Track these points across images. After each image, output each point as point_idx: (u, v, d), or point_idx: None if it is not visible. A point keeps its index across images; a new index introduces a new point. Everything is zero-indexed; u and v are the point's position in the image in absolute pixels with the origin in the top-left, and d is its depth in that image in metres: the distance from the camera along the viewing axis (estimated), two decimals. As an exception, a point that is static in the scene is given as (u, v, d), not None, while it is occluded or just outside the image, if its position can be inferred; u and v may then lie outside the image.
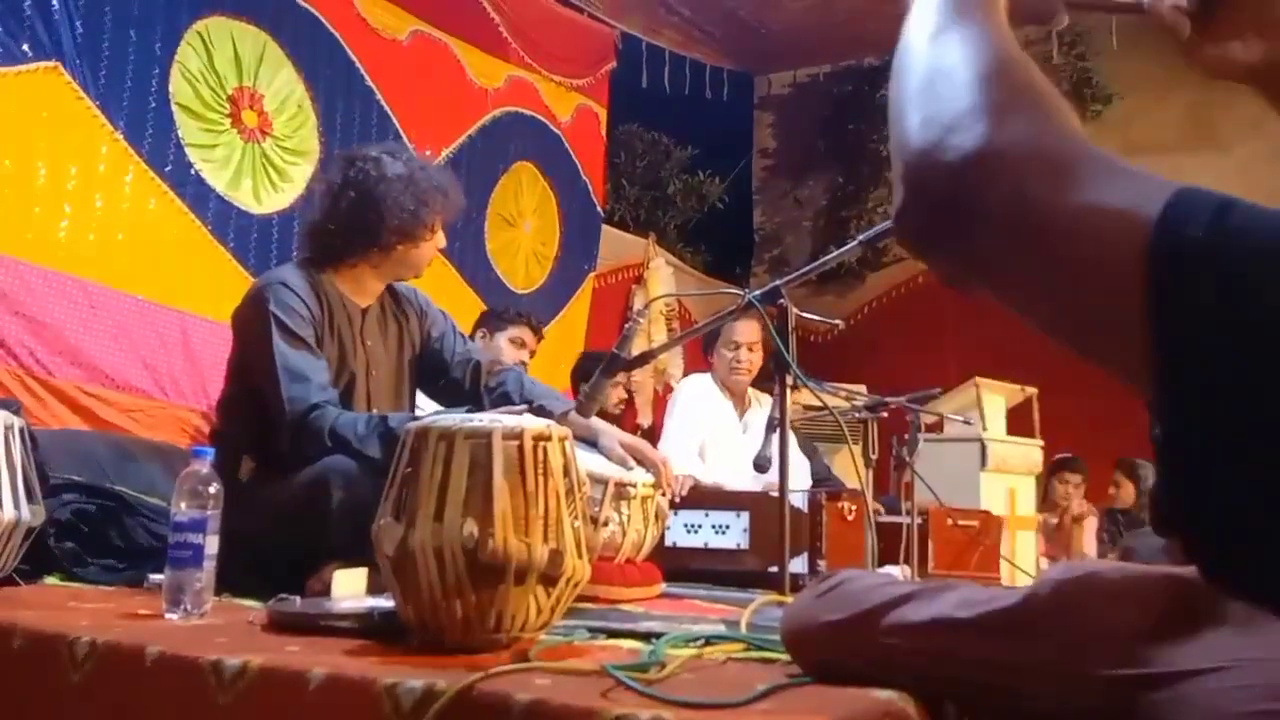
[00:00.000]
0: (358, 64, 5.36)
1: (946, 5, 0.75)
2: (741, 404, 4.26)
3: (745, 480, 3.64)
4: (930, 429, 4.36)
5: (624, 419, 6.62)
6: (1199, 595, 1.02)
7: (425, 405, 2.91)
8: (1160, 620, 1.02)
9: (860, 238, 2.34)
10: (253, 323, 2.50)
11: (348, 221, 2.60)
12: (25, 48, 3.98)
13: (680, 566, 2.90)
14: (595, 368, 4.74)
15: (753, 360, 4.17)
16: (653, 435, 5.04)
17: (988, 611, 1.14)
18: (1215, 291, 0.56)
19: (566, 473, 1.64)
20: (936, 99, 0.69)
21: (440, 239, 2.73)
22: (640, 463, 2.55)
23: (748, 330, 4.09)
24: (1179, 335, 0.57)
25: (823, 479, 4.39)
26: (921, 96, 0.70)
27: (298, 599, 1.85)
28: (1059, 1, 0.83)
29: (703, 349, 4.38)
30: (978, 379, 5.45)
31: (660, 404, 6.56)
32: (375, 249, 2.63)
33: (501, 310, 4.62)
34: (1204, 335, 0.57)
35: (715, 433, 4.16)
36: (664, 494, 2.60)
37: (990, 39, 0.72)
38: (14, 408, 2.41)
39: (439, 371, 2.80)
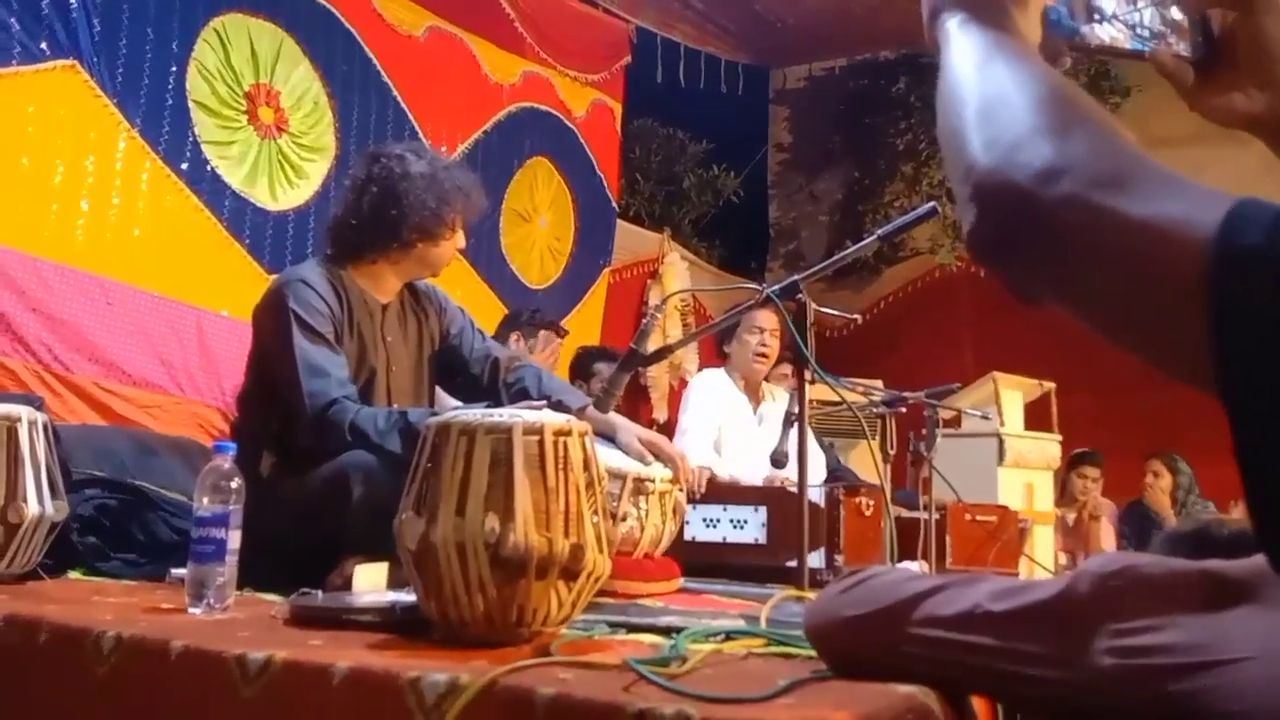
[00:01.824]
0: (374, 60, 5.37)
1: (986, 41, 0.80)
2: (756, 397, 4.26)
3: (761, 473, 3.64)
4: (948, 424, 4.35)
5: (639, 414, 6.62)
6: (1235, 587, 1.03)
7: (444, 401, 2.91)
8: (1196, 610, 1.03)
9: (878, 232, 2.34)
10: (272, 319, 2.51)
11: (369, 218, 2.61)
12: (43, 46, 4.00)
13: (698, 561, 2.90)
14: (592, 363, 4.79)
15: (774, 347, 4.17)
16: (668, 430, 5.04)
17: (1025, 604, 1.14)
18: (1274, 297, 0.58)
19: (586, 467, 1.64)
20: (997, 124, 0.73)
21: (460, 239, 2.74)
22: (658, 457, 2.55)
23: (769, 317, 4.08)
24: (1239, 341, 0.59)
25: (835, 472, 4.39)
26: (981, 122, 0.74)
27: (319, 593, 1.86)
28: (1062, 45, 0.85)
29: (719, 342, 4.37)
30: (995, 374, 5.44)
31: (675, 399, 6.55)
32: (395, 246, 2.64)
33: (531, 316, 4.61)
34: (1263, 340, 0.59)
35: (730, 426, 4.16)
36: (682, 489, 2.60)
37: (1036, 67, 0.76)
38: (37, 403, 2.42)
39: (457, 367, 2.81)
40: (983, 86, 0.76)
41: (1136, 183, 0.65)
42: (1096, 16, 0.85)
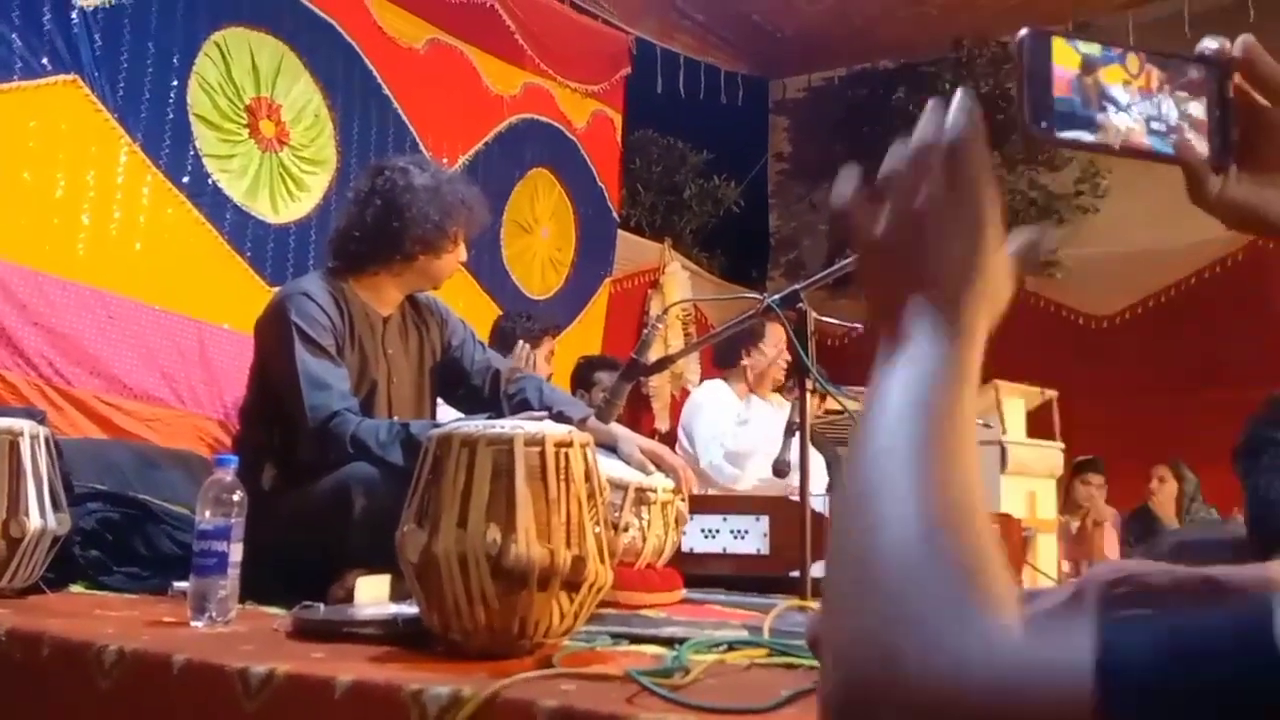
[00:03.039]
0: (375, 73, 5.38)
1: (901, 412, 0.64)
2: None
3: (763, 484, 3.64)
4: (950, 432, 4.33)
5: (641, 423, 6.62)
6: (1240, 592, 1.03)
7: (445, 413, 2.92)
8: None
9: (879, 241, 2.34)
10: (274, 332, 2.52)
11: (372, 229, 2.62)
12: (45, 62, 4.01)
13: (698, 572, 2.89)
14: (593, 372, 4.80)
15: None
16: (670, 440, 5.03)
17: (1030, 612, 1.14)
18: None
19: (588, 478, 1.64)
20: (851, 602, 0.59)
21: (462, 252, 2.75)
22: (660, 468, 2.55)
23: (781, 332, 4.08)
24: None
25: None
26: (841, 591, 0.61)
27: (321, 606, 1.86)
28: (1036, 251, 0.78)
29: (727, 351, 4.32)
30: (997, 381, 5.43)
31: (677, 409, 6.55)
32: (397, 258, 2.64)
33: (528, 323, 4.60)
34: None
35: (737, 439, 4.14)
36: (684, 499, 2.60)
37: (919, 510, 0.60)
38: (39, 417, 2.42)
39: (459, 379, 2.81)
40: (855, 541, 0.61)
41: (980, 654, 0.54)
42: (1111, 106, 0.81)
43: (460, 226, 2.70)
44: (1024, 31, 0.79)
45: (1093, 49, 0.80)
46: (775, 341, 4.13)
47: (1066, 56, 0.79)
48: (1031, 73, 0.79)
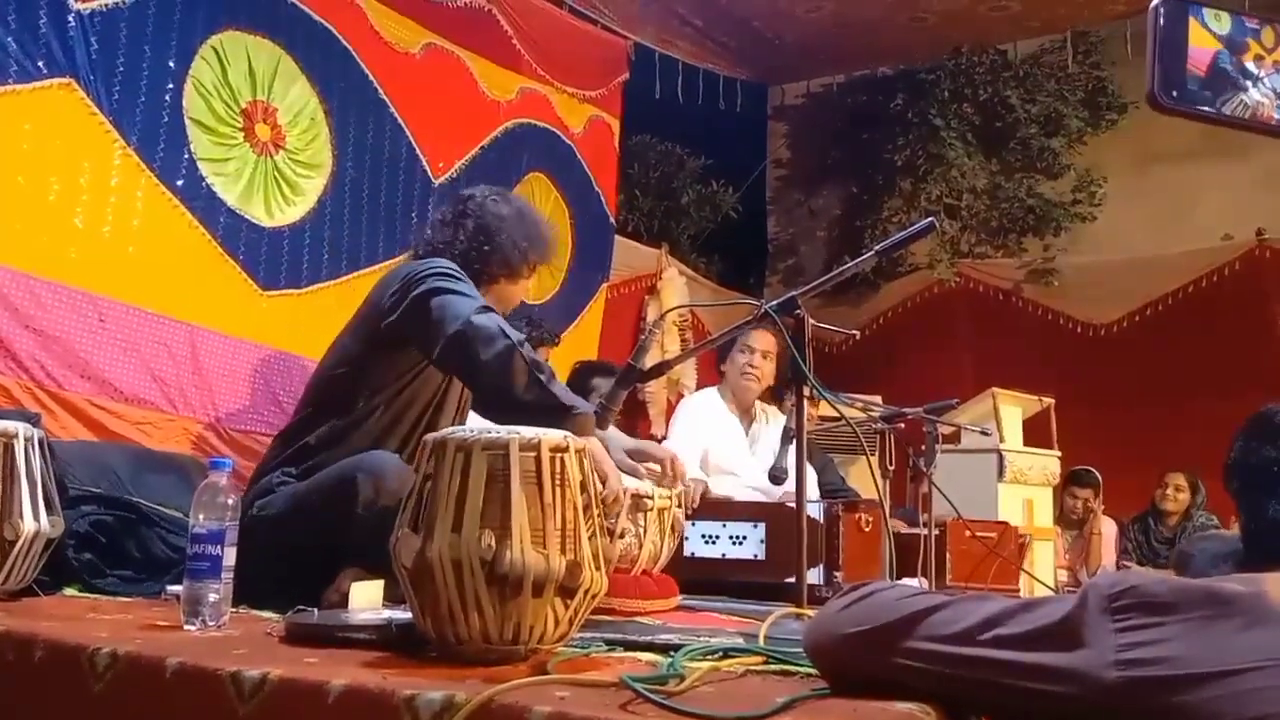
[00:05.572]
0: (371, 77, 5.37)
1: None
2: (748, 417, 4.22)
3: (751, 495, 3.64)
4: (947, 440, 4.34)
5: (637, 429, 6.61)
6: (1238, 602, 1.03)
7: (473, 422, 2.92)
8: (1201, 623, 1.04)
9: (876, 248, 2.34)
10: (404, 276, 2.50)
11: (464, 247, 2.68)
12: (40, 65, 3.99)
13: (696, 577, 2.89)
14: (590, 378, 4.80)
15: (765, 369, 4.12)
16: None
17: (1031, 620, 1.14)
18: None
19: (584, 484, 1.63)
20: None
21: (530, 285, 2.84)
22: (649, 459, 2.55)
23: (764, 337, 4.06)
24: None
25: (837, 490, 4.37)
26: None
27: (315, 610, 1.86)
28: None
29: (717, 360, 4.35)
30: (994, 389, 5.44)
31: (672, 414, 6.54)
32: (484, 277, 2.68)
33: (524, 328, 4.59)
34: None
35: (720, 446, 4.11)
36: (680, 505, 2.59)
37: None
38: (34, 419, 2.41)
39: None
40: None
41: None
42: (1246, 81, 0.82)
43: (540, 257, 2.80)
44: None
45: (1226, 24, 0.81)
46: (742, 346, 4.11)
47: (1201, 27, 0.81)
48: (1165, 41, 0.79)
